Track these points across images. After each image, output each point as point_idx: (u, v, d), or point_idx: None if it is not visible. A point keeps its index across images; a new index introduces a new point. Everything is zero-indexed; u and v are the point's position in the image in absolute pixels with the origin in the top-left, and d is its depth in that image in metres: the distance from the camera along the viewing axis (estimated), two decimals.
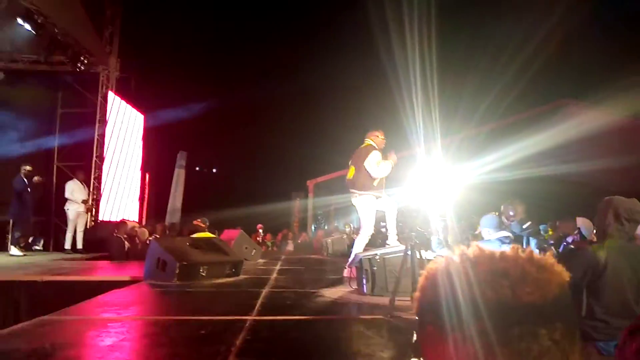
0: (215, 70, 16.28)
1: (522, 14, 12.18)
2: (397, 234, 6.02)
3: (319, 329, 3.18)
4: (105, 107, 12.01)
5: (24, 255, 8.74)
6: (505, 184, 10.63)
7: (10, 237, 8.97)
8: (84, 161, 11.95)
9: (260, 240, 14.05)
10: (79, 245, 10.07)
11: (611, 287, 2.66)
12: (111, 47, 12.51)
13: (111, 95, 12.14)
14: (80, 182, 10.36)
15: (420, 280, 0.64)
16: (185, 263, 5.21)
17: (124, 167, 12.95)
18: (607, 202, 2.90)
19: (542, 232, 7.03)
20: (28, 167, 9.14)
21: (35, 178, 9.22)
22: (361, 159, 5.91)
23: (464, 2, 14.74)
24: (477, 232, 6.43)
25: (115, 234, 9.11)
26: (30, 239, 10.32)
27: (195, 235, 7.92)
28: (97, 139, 12.05)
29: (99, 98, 12.15)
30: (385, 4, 10.21)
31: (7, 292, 5.40)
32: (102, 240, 10.08)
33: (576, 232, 6.22)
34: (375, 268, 4.41)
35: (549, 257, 0.59)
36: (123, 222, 10.01)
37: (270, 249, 15.02)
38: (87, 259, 8.90)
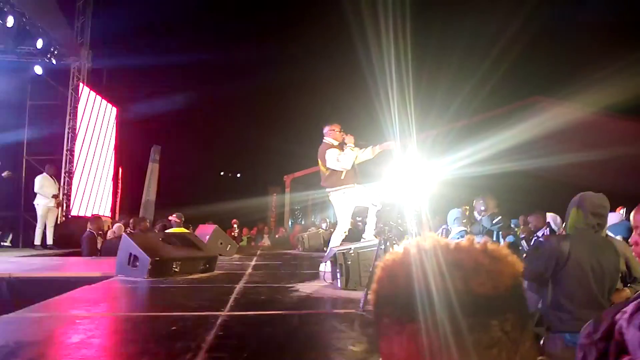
0: (190, 63, 16.03)
1: (495, 11, 12.36)
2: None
3: (292, 324, 3.18)
4: (77, 100, 11.74)
5: None
6: (478, 179, 10.81)
7: None
8: (55, 155, 11.65)
9: (236, 235, 13.97)
10: (50, 241, 9.83)
11: (575, 277, 2.73)
12: (82, 38, 12.22)
13: (83, 87, 11.87)
14: (50, 176, 10.11)
15: (377, 272, 0.63)
16: (157, 259, 5.13)
17: (96, 161, 12.69)
18: (576, 197, 2.98)
19: (513, 227, 7.18)
20: None
21: (5, 173, 8.96)
22: (323, 158, 5.93)
23: None
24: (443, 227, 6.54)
25: (88, 229, 8.93)
26: None
27: (169, 231, 7.82)
28: (69, 132, 11.77)
29: (70, 90, 11.86)
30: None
31: None
32: (74, 235, 9.86)
33: (546, 226, 6.37)
34: (349, 262, 4.42)
35: (503, 248, 0.59)
36: (96, 217, 9.81)
37: (246, 244, 14.95)
38: (58, 255, 8.69)
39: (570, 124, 11.65)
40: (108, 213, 13.14)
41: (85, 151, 12.05)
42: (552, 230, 6.14)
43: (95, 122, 12.46)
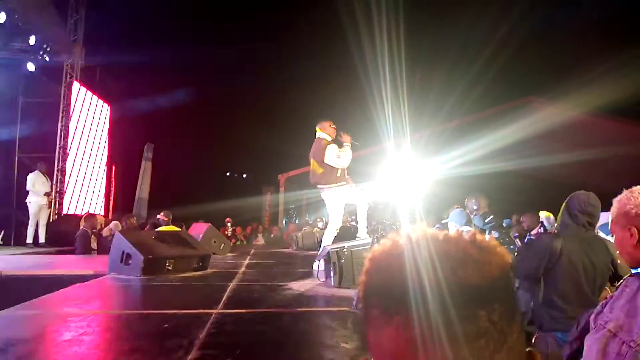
0: (184, 61, 16.00)
1: (488, 11, 12.43)
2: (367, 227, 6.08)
3: (285, 322, 3.18)
4: (70, 97, 11.67)
5: None
6: (471, 179, 10.85)
7: None
8: (47, 152, 11.58)
9: (229, 234, 13.94)
10: (42, 239, 9.78)
11: (566, 274, 2.75)
12: (76, 35, 12.16)
13: (76, 85, 11.82)
14: (43, 174, 10.05)
15: (365, 263, 0.64)
16: (150, 257, 5.11)
17: (89, 159, 12.62)
18: (569, 197, 3.01)
19: (504, 226, 7.21)
20: None
21: None
22: (320, 155, 5.92)
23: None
24: (444, 222, 6.54)
25: (82, 228, 8.88)
26: None
27: (160, 229, 7.79)
28: (61, 130, 11.71)
29: (63, 88, 11.79)
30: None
31: None
32: (66, 233, 9.80)
33: (540, 226, 6.40)
34: (342, 260, 4.43)
35: (492, 240, 0.60)
36: (89, 215, 9.76)
37: (240, 242, 14.92)
38: (50, 253, 8.65)
39: (562, 124, 11.73)
40: (101, 211, 13.06)
41: (78, 149, 11.97)
42: (545, 230, 6.17)
43: (87, 119, 12.39)
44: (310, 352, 2.52)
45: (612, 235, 1.70)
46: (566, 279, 2.76)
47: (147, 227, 9.49)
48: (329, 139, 6.06)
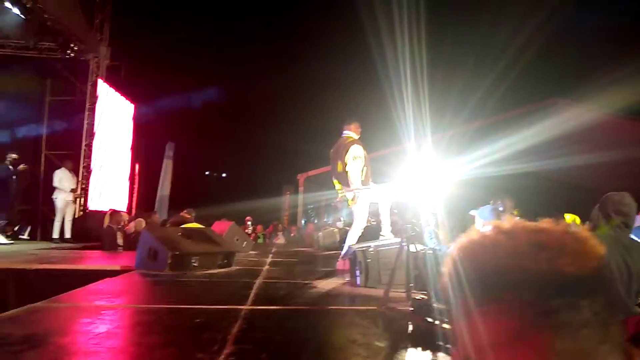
0: (207, 63, 16.17)
1: (511, 11, 12.27)
2: (391, 226, 6.04)
3: (314, 319, 3.18)
4: (95, 96, 11.87)
5: (12, 243, 8.63)
6: (495, 180, 10.72)
7: None
8: (73, 150, 11.80)
9: (249, 233, 14.02)
10: (67, 235, 9.98)
11: None
12: (102, 34, 12.36)
13: (101, 83, 12.00)
14: (69, 170, 10.25)
15: (452, 254, 0.64)
16: (177, 253, 5.18)
17: (114, 157, 12.82)
18: (602, 198, 2.96)
19: None
20: (14, 155, 9.02)
21: (21, 166, 9.10)
22: (343, 152, 5.93)
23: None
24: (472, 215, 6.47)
25: (107, 224, 9.03)
26: (16, 228, 10.20)
27: (184, 226, 7.86)
28: (87, 128, 11.91)
29: (89, 86, 12.00)
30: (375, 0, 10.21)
31: None
32: (91, 230, 9.98)
33: None
34: (369, 260, 4.42)
35: (584, 231, 0.59)
36: (114, 212, 9.91)
37: (262, 240, 15.01)
38: (76, 249, 8.81)
39: (586, 125, 11.52)
40: (124, 208, 13.26)
41: (103, 146, 12.17)
42: None
43: (111, 117, 12.57)
44: (343, 349, 2.52)
45: None
46: None
47: (169, 224, 9.59)
48: (355, 137, 6.07)
